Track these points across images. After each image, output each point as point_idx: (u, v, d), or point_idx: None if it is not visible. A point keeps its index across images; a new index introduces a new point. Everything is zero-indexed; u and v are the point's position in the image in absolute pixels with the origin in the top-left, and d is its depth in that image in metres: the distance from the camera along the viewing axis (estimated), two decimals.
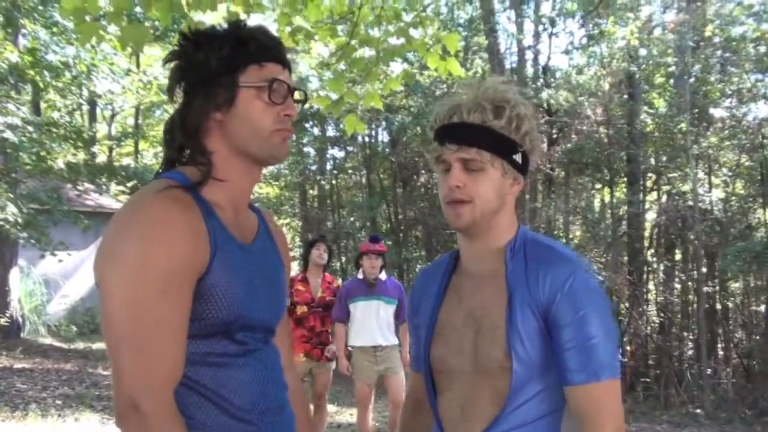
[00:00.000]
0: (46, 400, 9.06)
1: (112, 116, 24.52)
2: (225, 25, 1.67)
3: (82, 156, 13.20)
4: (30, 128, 10.40)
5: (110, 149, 24.21)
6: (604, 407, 1.62)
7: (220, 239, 1.54)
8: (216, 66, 1.59)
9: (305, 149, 21.15)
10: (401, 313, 6.53)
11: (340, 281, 7.13)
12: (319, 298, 6.56)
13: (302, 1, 3.92)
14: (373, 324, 6.41)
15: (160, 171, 1.66)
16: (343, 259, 19.14)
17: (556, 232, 17.08)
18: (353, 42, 4.19)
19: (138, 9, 4.13)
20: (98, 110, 23.05)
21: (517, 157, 1.74)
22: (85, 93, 12.90)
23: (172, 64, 1.65)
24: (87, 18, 3.52)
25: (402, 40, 4.10)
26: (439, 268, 1.93)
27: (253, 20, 4.07)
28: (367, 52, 4.30)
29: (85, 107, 21.50)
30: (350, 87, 4.37)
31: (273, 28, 4.15)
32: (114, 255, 1.43)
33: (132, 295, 1.40)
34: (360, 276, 6.63)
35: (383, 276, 6.68)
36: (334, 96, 4.35)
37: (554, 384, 1.69)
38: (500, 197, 1.75)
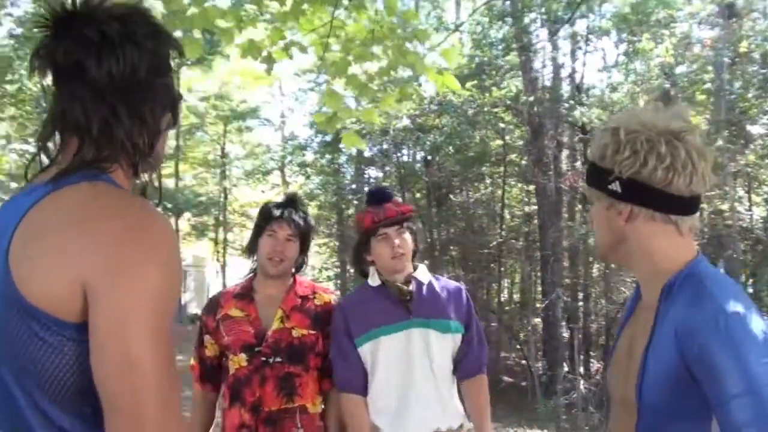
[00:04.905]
0: None
1: None
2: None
3: None
4: None
5: None
6: None
7: None
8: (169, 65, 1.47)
9: (342, 169, 21.25)
10: (470, 353, 3.09)
11: (333, 297, 3.23)
12: (275, 333, 2.97)
13: (294, 17, 3.92)
14: (419, 385, 2.95)
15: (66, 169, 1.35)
16: None
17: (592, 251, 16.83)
18: (349, 57, 4.18)
19: None
20: None
21: (614, 186, 1.63)
22: None
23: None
24: None
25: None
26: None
27: (244, 36, 4.09)
28: (363, 67, 4.27)
29: None
30: (346, 104, 4.35)
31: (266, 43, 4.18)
32: (132, 278, 1.21)
33: (156, 327, 1.20)
34: (373, 282, 3.09)
35: (423, 274, 3.14)
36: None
37: None
38: (609, 230, 1.70)
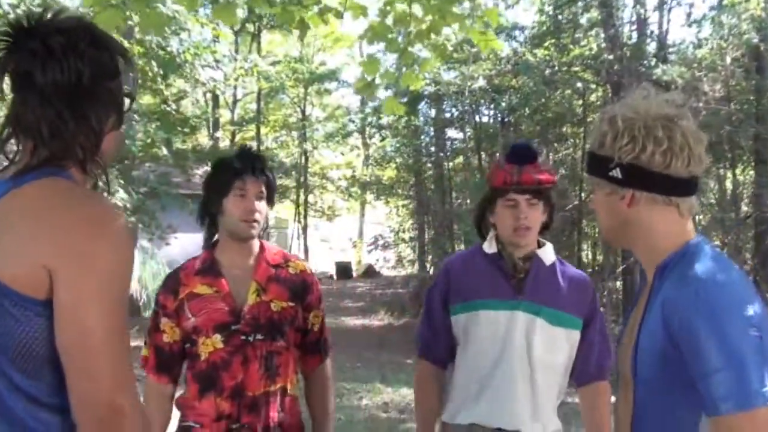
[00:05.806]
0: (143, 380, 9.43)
1: (234, 102, 25.32)
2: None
3: (191, 143, 13.69)
4: (136, 117, 10.87)
5: (233, 134, 25.03)
6: None
7: None
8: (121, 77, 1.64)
9: (423, 129, 21.02)
10: (590, 355, 2.76)
11: (306, 265, 2.87)
12: (251, 308, 2.57)
13: None
14: (511, 373, 2.59)
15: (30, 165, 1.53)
16: (456, 248, 18.79)
17: None
18: (387, 21, 4.08)
19: None
20: (221, 96, 23.80)
21: (615, 173, 1.69)
22: (197, 79, 13.32)
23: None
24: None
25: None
26: None
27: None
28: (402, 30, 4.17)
29: (209, 94, 22.27)
30: (388, 68, 4.26)
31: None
32: (89, 261, 1.44)
33: (109, 302, 1.44)
34: (488, 248, 2.75)
35: (548, 253, 2.76)
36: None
37: (679, 415, 1.62)
38: (611, 215, 1.76)
